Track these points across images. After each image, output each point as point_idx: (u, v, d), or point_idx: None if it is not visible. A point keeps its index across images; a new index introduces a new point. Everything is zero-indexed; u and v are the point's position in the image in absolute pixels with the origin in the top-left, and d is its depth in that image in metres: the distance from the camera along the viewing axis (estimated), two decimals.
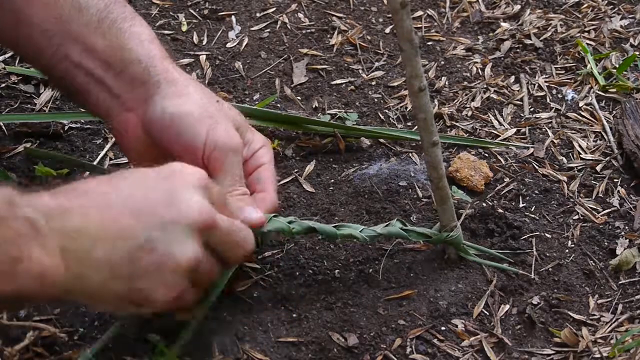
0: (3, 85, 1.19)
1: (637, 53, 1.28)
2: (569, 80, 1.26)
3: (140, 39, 0.93)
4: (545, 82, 1.26)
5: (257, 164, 0.97)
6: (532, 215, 1.07)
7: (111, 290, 0.75)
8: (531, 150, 1.15)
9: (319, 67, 1.26)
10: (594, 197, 1.10)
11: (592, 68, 1.26)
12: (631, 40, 1.33)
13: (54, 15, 0.91)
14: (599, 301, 0.98)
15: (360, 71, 1.26)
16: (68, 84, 0.95)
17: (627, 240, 1.04)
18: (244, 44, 1.29)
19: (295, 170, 1.12)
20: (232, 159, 0.91)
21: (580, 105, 1.23)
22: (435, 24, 1.35)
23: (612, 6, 1.39)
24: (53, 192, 0.74)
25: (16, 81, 1.20)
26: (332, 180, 1.11)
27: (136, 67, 0.92)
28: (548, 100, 1.23)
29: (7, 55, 1.23)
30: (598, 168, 1.13)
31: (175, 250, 0.77)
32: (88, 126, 1.16)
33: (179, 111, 0.91)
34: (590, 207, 1.08)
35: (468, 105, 1.22)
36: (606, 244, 1.04)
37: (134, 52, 0.92)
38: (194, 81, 0.96)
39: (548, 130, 1.18)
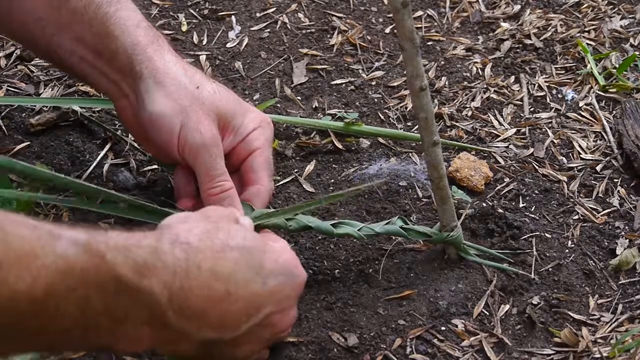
0: (4, 85, 1.19)
1: (637, 53, 1.28)
2: (569, 80, 1.26)
3: (125, 24, 0.91)
4: (545, 82, 1.26)
5: (250, 149, 0.94)
6: (532, 215, 1.07)
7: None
8: (531, 150, 1.15)
9: (319, 67, 1.26)
10: (594, 197, 1.10)
11: (592, 68, 1.26)
12: (631, 40, 1.33)
13: (44, 2, 0.91)
14: (599, 301, 0.98)
15: (360, 71, 1.26)
16: (68, 69, 0.95)
17: (627, 240, 1.04)
18: (244, 44, 1.29)
19: (295, 170, 1.11)
20: (204, 156, 0.89)
21: (580, 105, 1.22)
22: (435, 24, 1.35)
23: (612, 6, 1.39)
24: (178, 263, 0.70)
25: (16, 81, 1.20)
26: (332, 180, 1.11)
27: (121, 56, 0.91)
28: (548, 100, 1.23)
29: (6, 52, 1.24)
30: (598, 168, 1.13)
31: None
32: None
33: (154, 110, 0.89)
34: (590, 207, 1.08)
35: (468, 105, 1.21)
36: (606, 244, 1.04)
37: (119, 41, 0.91)
38: (176, 65, 0.93)
39: (548, 130, 1.18)
